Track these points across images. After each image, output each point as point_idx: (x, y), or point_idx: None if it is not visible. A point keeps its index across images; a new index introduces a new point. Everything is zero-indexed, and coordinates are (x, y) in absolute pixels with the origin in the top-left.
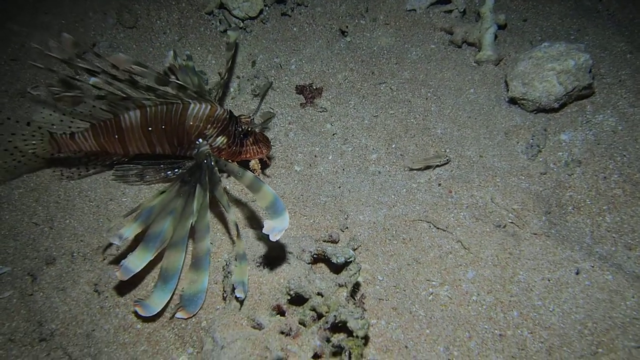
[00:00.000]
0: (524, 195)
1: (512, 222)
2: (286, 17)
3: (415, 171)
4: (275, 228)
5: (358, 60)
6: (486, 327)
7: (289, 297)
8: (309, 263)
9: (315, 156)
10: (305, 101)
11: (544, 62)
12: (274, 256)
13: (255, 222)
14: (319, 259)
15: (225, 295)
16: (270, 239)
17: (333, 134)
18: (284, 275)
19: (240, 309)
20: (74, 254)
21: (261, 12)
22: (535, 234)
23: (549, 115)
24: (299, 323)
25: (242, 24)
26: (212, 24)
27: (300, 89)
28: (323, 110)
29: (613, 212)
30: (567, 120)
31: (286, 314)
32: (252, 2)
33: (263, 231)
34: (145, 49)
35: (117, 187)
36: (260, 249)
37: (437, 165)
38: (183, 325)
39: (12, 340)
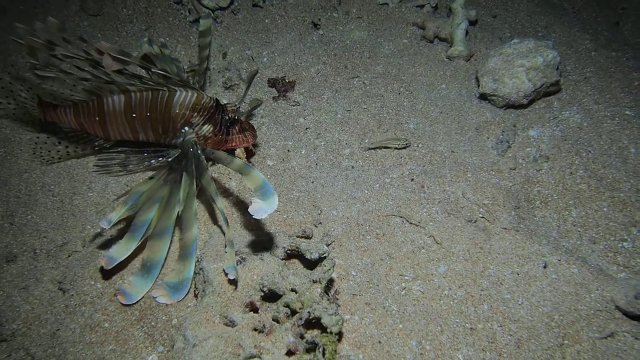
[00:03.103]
0: (494, 190)
1: (482, 217)
2: (258, 8)
3: (372, 150)
4: (262, 209)
5: (331, 53)
6: (457, 320)
7: (262, 294)
8: (282, 259)
9: (288, 150)
10: (277, 94)
11: (513, 58)
12: (247, 252)
13: (228, 217)
14: (293, 254)
15: (196, 292)
16: (255, 217)
17: (306, 128)
18: (257, 272)
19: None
20: (37, 251)
21: (232, 2)
22: (505, 228)
23: (518, 111)
24: (273, 320)
25: (212, 14)
26: (181, 13)
27: (272, 82)
28: (296, 104)
29: (578, 206)
30: (536, 116)
31: (259, 311)
32: None
33: (249, 210)
34: (111, 38)
35: (82, 181)
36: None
37: (396, 148)
38: (153, 323)
39: None
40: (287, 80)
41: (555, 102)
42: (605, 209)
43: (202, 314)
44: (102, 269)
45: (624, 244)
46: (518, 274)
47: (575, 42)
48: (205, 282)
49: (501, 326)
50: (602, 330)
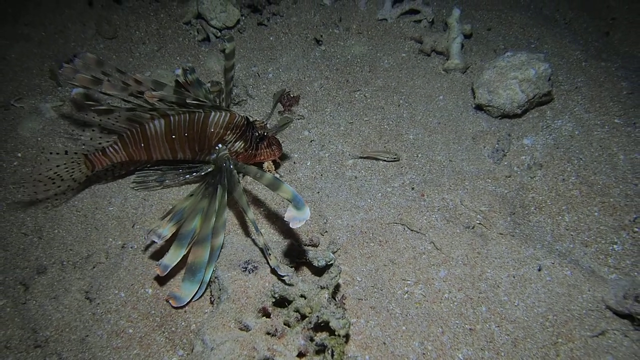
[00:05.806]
0: (490, 197)
1: (480, 223)
2: (262, 26)
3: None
4: (296, 218)
5: (333, 68)
6: (457, 322)
7: (273, 300)
8: (292, 266)
9: (294, 162)
10: (283, 109)
11: (507, 71)
12: (259, 261)
13: (240, 227)
14: (301, 262)
15: (212, 299)
16: (290, 225)
17: (311, 141)
18: (269, 279)
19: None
20: (64, 263)
21: (238, 22)
22: (502, 234)
23: (512, 121)
24: (284, 324)
25: (219, 33)
26: (190, 33)
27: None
28: (301, 118)
29: (571, 211)
30: (529, 125)
31: (271, 316)
32: (229, 12)
33: (285, 218)
34: (125, 59)
35: (103, 196)
36: (245, 254)
37: (385, 160)
38: (173, 328)
39: (8, 347)
40: (292, 95)
41: (548, 111)
42: (596, 214)
43: (219, 320)
44: (157, 277)
45: (614, 246)
46: (514, 277)
47: (567, 52)
48: (220, 289)
49: (499, 326)
50: (594, 329)
